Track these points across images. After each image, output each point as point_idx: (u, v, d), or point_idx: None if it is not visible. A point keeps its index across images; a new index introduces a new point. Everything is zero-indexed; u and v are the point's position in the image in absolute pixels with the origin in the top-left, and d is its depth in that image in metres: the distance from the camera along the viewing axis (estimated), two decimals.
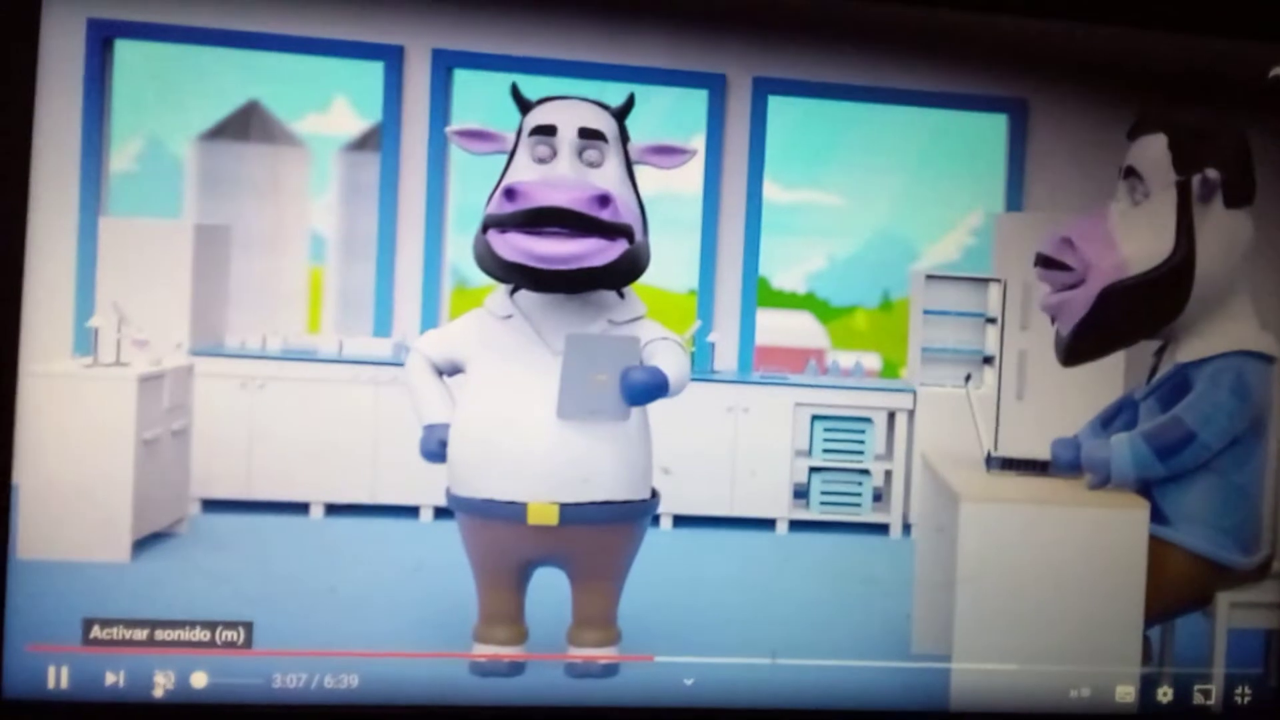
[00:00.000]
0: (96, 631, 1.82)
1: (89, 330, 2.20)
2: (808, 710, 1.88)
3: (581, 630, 1.92)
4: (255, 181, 2.59)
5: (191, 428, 2.36)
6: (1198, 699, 1.93)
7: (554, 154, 1.87)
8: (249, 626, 1.85)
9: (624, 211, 1.85)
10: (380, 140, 2.56)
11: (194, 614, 1.86)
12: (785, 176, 2.56)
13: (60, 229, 2.09)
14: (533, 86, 1.97)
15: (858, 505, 2.59)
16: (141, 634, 1.83)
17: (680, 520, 2.46)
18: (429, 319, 2.58)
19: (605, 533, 1.90)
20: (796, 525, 2.56)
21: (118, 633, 1.83)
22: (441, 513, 2.05)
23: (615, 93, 2.00)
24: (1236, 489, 1.92)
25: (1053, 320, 2.05)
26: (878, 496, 2.68)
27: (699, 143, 2.61)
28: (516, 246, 1.83)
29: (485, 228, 1.86)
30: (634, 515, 1.92)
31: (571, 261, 1.84)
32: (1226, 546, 1.92)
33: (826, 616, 2.05)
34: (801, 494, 2.63)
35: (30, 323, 1.92)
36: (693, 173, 2.57)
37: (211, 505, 2.40)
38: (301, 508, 2.42)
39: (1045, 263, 2.03)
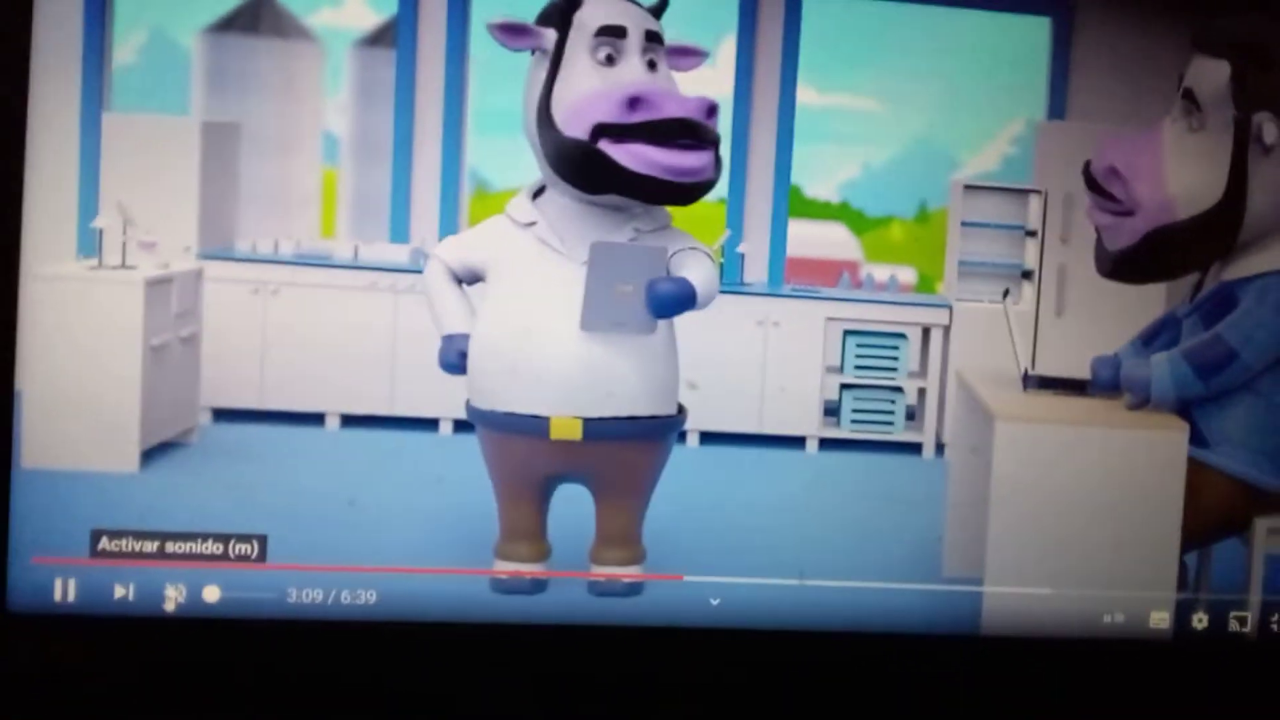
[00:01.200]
0: (105, 543, 1.83)
1: (93, 231, 2.20)
2: (836, 632, 1.89)
3: (605, 548, 1.93)
4: (266, 78, 2.58)
5: (201, 334, 2.39)
6: (1233, 626, 1.95)
7: (620, 57, 1.85)
8: (263, 540, 1.85)
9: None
10: (396, 36, 2.54)
11: (206, 526, 1.86)
12: (819, 79, 2.54)
13: (62, 125, 2.07)
14: None
15: (890, 424, 2.61)
16: (151, 546, 1.84)
17: (707, 437, 2.48)
18: (448, 225, 2.57)
19: (630, 449, 1.91)
20: (827, 444, 2.58)
21: (127, 544, 1.83)
22: (461, 425, 2.06)
23: None
24: (1278, 410, 1.92)
25: (1099, 233, 2.03)
26: (911, 415, 2.70)
27: (729, 45, 2.58)
28: (647, 159, 1.81)
29: (594, 136, 1.83)
30: (660, 431, 1.92)
31: (697, 174, 1.84)
32: (1266, 470, 1.91)
33: (856, 537, 2.07)
34: (832, 412, 2.65)
35: (32, 224, 1.91)
36: (723, 75, 2.54)
37: (223, 415, 2.42)
38: (317, 418, 2.44)
39: (1092, 186, 2.01)
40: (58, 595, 1.80)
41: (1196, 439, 1.91)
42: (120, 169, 2.32)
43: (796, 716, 1.91)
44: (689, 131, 1.83)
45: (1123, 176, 1.94)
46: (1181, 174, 1.92)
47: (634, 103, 1.82)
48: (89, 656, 1.81)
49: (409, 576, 1.85)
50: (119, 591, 1.81)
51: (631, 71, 1.86)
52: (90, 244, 2.25)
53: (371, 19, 2.53)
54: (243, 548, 1.84)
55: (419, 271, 2.06)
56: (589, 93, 1.85)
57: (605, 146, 1.83)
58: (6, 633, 1.78)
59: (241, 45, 2.52)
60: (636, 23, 1.87)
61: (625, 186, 1.84)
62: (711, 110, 1.86)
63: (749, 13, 2.52)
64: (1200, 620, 1.92)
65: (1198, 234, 1.92)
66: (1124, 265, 1.98)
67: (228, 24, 2.53)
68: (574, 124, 1.84)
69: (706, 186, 1.88)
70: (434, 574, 1.87)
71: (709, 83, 2.53)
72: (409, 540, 1.97)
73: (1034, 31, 2.54)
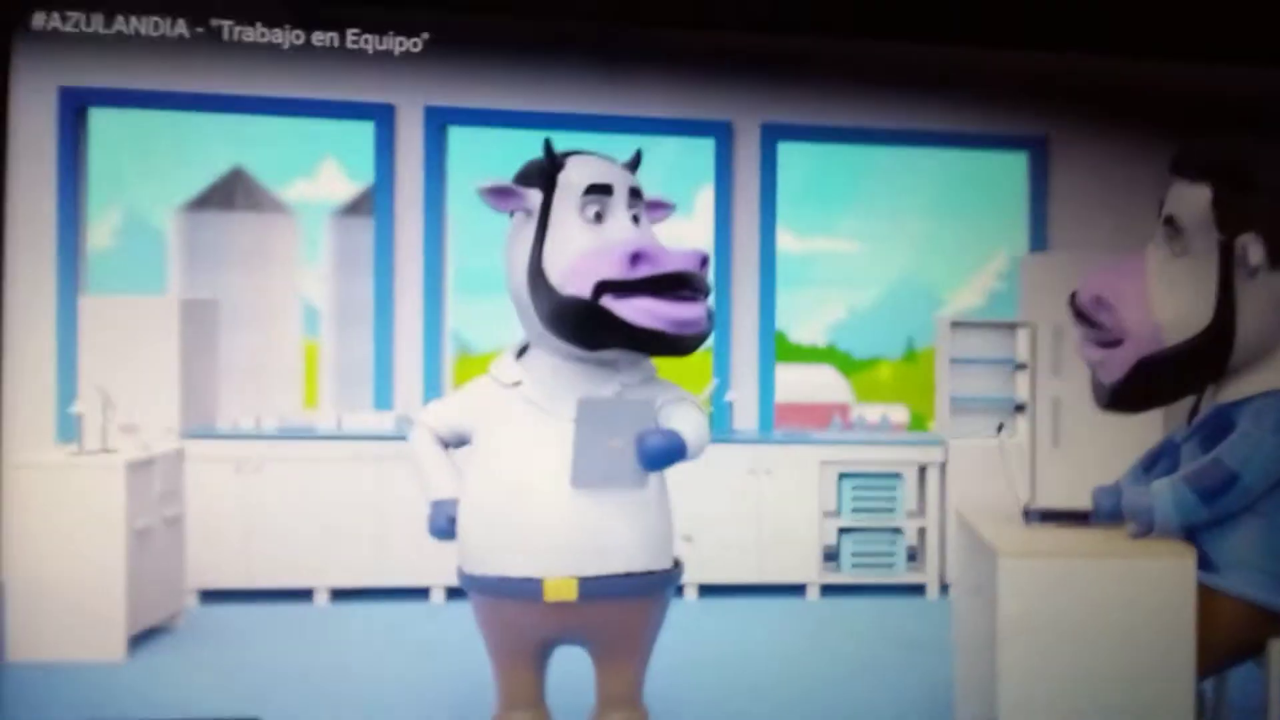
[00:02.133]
0: None
1: (73, 416, 2.22)
2: None
3: (607, 711, 1.90)
4: (242, 252, 2.64)
5: (185, 515, 2.41)
6: None
7: (605, 214, 1.91)
8: None
9: None
10: (373, 203, 2.60)
11: (197, 712, 1.85)
12: (799, 225, 2.61)
13: (38, 311, 2.10)
14: (531, 141, 1.99)
15: (891, 565, 2.63)
16: None
17: (706, 590, 2.52)
18: (432, 389, 2.61)
19: (627, 606, 1.89)
20: (828, 589, 2.63)
21: None
22: (454, 592, 2.06)
23: (616, 145, 2.03)
24: None
25: (1091, 370, 2.06)
26: (912, 556, 2.74)
27: (707, 193, 2.66)
28: (652, 312, 1.83)
29: (597, 293, 1.88)
30: (656, 586, 1.91)
31: (697, 325, 1.87)
32: (1277, 591, 1.92)
33: (865, 684, 2.07)
34: (831, 556, 2.69)
35: (11, 411, 1.92)
36: (702, 225, 2.61)
37: (210, 595, 2.43)
38: (306, 594, 2.46)
39: (1080, 316, 2.04)
40: None
41: (1204, 563, 1.91)
42: (99, 351, 2.36)
43: None
44: (686, 284, 1.86)
45: (1109, 305, 1.96)
46: (1168, 300, 1.94)
47: (637, 258, 1.85)
48: None
49: None
50: None
51: (621, 229, 1.91)
52: (70, 428, 2.26)
53: (347, 189, 2.61)
54: None
55: (404, 439, 2.08)
56: (585, 251, 1.88)
57: (609, 303, 1.85)
58: None
59: (217, 221, 2.59)
60: (621, 180, 1.93)
61: (628, 340, 1.87)
62: (704, 261, 1.90)
63: (725, 162, 2.60)
64: None
65: (1188, 360, 1.93)
66: (1119, 397, 1.99)
67: (202, 201, 2.60)
68: (574, 282, 1.87)
69: (704, 337, 1.92)
70: None
71: (689, 232, 2.59)
72: (405, 715, 1.96)
73: (1010, 166, 2.62)
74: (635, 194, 1.92)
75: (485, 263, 2.09)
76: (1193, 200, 1.92)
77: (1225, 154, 1.93)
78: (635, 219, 1.92)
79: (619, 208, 1.90)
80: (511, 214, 1.97)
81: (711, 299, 1.95)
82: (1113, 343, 1.97)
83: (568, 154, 1.92)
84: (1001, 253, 2.69)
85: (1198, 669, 1.85)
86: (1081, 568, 1.88)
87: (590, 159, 1.93)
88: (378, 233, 2.57)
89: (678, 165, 2.56)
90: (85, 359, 2.36)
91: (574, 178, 1.90)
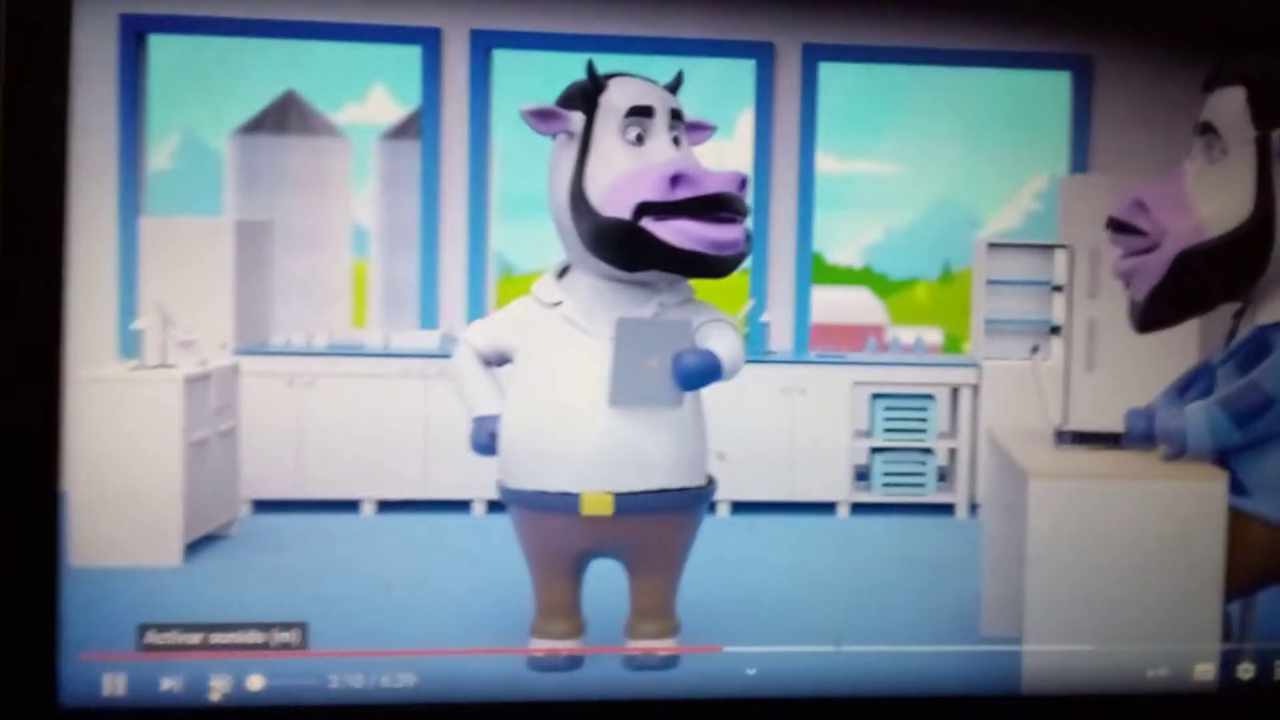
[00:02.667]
0: (151, 637, 1.85)
1: (134, 333, 2.25)
2: (875, 697, 1.88)
3: (640, 622, 1.94)
4: (295, 175, 2.64)
5: (239, 428, 2.44)
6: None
7: (646, 136, 1.89)
8: (304, 627, 1.87)
9: None
10: (420, 127, 2.60)
11: (248, 616, 1.88)
12: (839, 147, 2.57)
13: (100, 231, 2.11)
14: (574, 64, 1.98)
15: (922, 486, 2.61)
16: (196, 638, 1.86)
17: (738, 506, 2.48)
18: (475, 309, 2.61)
19: (661, 522, 1.92)
20: (858, 508, 2.58)
21: (172, 638, 1.85)
22: (494, 506, 2.08)
23: (658, 67, 2.02)
24: None
25: (1126, 286, 2.04)
26: (942, 476, 2.70)
27: (747, 116, 2.63)
28: (691, 234, 1.85)
29: (637, 214, 1.88)
30: (690, 503, 1.94)
31: (737, 245, 1.88)
32: None
33: (892, 601, 2.06)
34: (863, 476, 2.66)
35: (74, 327, 1.94)
36: (742, 148, 2.58)
37: (262, 505, 2.46)
38: (353, 505, 2.48)
39: (1117, 227, 2.01)
40: (107, 690, 1.82)
41: (1236, 487, 1.90)
42: (158, 271, 2.38)
43: None
44: (726, 205, 1.87)
45: (1148, 208, 1.95)
46: (1207, 199, 1.93)
47: (676, 180, 1.85)
48: None
49: (447, 658, 1.86)
50: (166, 684, 1.83)
51: (662, 150, 1.90)
52: (131, 345, 2.30)
53: (396, 112, 2.59)
54: (284, 636, 1.86)
55: (448, 356, 2.10)
56: (626, 173, 1.88)
57: (648, 224, 1.85)
58: None
59: (271, 144, 2.59)
60: (662, 102, 1.91)
61: (667, 262, 1.87)
62: (743, 183, 1.89)
63: (766, 84, 2.56)
64: (1246, 670, 1.90)
65: (1229, 251, 1.91)
66: (1155, 305, 1.97)
67: (257, 124, 2.59)
68: (613, 204, 1.87)
69: (741, 258, 1.91)
70: (471, 654, 1.88)
71: (728, 155, 2.57)
72: (446, 621, 1.98)
73: (1054, 87, 2.56)
74: (676, 116, 1.91)
75: (529, 185, 2.09)
76: (1228, 103, 1.94)
77: (1258, 60, 1.93)
78: (676, 141, 1.92)
79: (660, 130, 1.90)
80: (554, 136, 1.97)
81: (750, 221, 1.95)
82: (1150, 249, 1.97)
83: (610, 76, 1.92)
84: (1042, 175, 2.63)
85: (1225, 592, 1.86)
86: (1112, 489, 1.88)
87: (632, 80, 1.92)
88: (424, 156, 2.57)
89: (719, 87, 2.53)
90: (145, 278, 2.38)
91: (615, 100, 1.89)
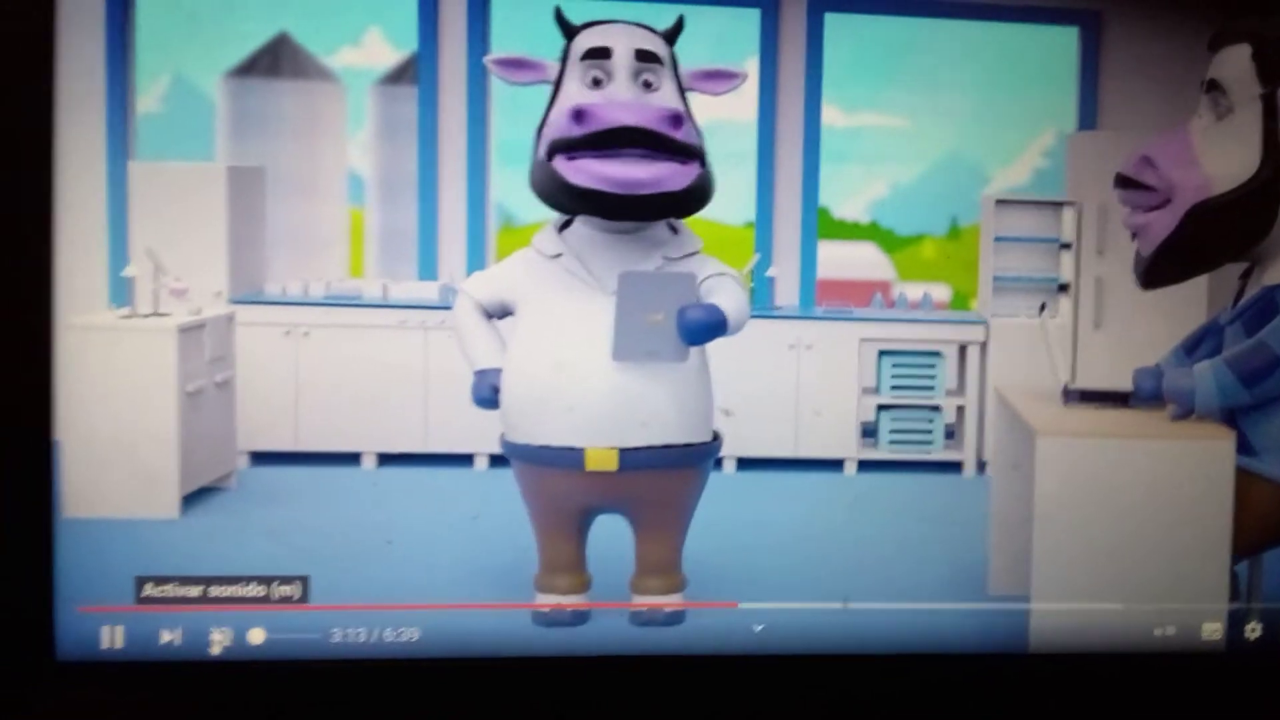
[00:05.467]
0: (149, 590, 1.84)
1: (125, 280, 2.25)
2: (882, 655, 1.89)
3: (645, 578, 1.95)
4: (289, 119, 2.63)
5: (235, 379, 2.44)
6: None
7: (609, 78, 1.87)
8: (305, 581, 1.86)
9: (694, 132, 1.89)
10: (417, 72, 2.59)
11: (248, 569, 1.88)
12: (845, 99, 2.57)
13: (89, 176, 2.09)
14: (576, 11, 1.97)
15: (929, 443, 2.64)
16: (195, 591, 1.85)
17: (744, 463, 2.53)
18: (475, 260, 2.62)
19: (666, 478, 1.93)
20: (865, 465, 2.62)
21: (171, 590, 1.85)
22: (497, 460, 2.10)
23: (662, 15, 2.00)
24: None
25: (1134, 239, 2.05)
26: (950, 434, 2.73)
27: (752, 66, 2.62)
28: (590, 171, 1.82)
29: (550, 154, 1.86)
30: (695, 459, 1.94)
31: (650, 186, 1.84)
32: None
33: (899, 559, 2.09)
34: (869, 433, 2.68)
35: (64, 274, 1.93)
36: (747, 99, 2.58)
37: (260, 458, 2.47)
38: (353, 458, 2.49)
39: (1125, 183, 2.02)
40: (105, 643, 1.81)
41: (1243, 447, 1.92)
42: (148, 217, 2.38)
43: None
44: (635, 139, 1.83)
45: (1156, 164, 1.97)
46: (1214, 156, 1.95)
47: (578, 116, 1.83)
48: (138, 702, 1.82)
49: (451, 612, 1.87)
50: (165, 637, 1.83)
51: (614, 93, 1.88)
52: (122, 293, 2.30)
53: (392, 57, 2.58)
54: (285, 589, 1.86)
55: (448, 308, 2.10)
56: (555, 115, 1.90)
57: (558, 163, 1.84)
58: (57, 681, 1.79)
59: (263, 88, 2.58)
60: (625, 42, 1.88)
61: (579, 203, 1.86)
62: (675, 120, 1.85)
63: (771, 34, 2.56)
64: (1254, 630, 1.92)
65: (1237, 207, 1.94)
66: (1162, 261, 1.99)
67: (249, 68, 2.58)
68: (541, 146, 1.88)
69: (674, 200, 1.87)
70: (475, 609, 1.89)
71: (733, 107, 2.57)
72: (450, 576, 2.01)
73: (1062, 42, 2.56)
74: (645, 56, 1.88)
75: (529, 133, 2.09)
76: (1233, 60, 1.96)
77: (1263, 19, 1.94)
78: (647, 84, 1.90)
79: (620, 70, 1.88)
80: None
81: (750, 171, 1.94)
82: (1159, 205, 1.99)
83: (592, 23, 1.91)
84: (1050, 130, 2.64)
85: (1233, 551, 1.88)
86: (1119, 448, 1.89)
87: (604, 26, 1.91)
88: (422, 102, 2.56)
89: (723, 36, 2.52)
90: (135, 224, 2.38)
91: (580, 44, 1.89)
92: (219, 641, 1.83)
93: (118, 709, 1.82)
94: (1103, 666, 1.89)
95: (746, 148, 2.50)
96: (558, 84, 1.90)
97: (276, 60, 2.59)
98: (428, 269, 2.59)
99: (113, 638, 1.81)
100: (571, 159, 1.82)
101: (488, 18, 2.51)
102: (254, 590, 1.86)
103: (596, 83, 1.86)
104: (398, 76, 2.62)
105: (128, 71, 2.40)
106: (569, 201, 1.86)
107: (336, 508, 2.27)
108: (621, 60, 1.87)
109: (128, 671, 1.82)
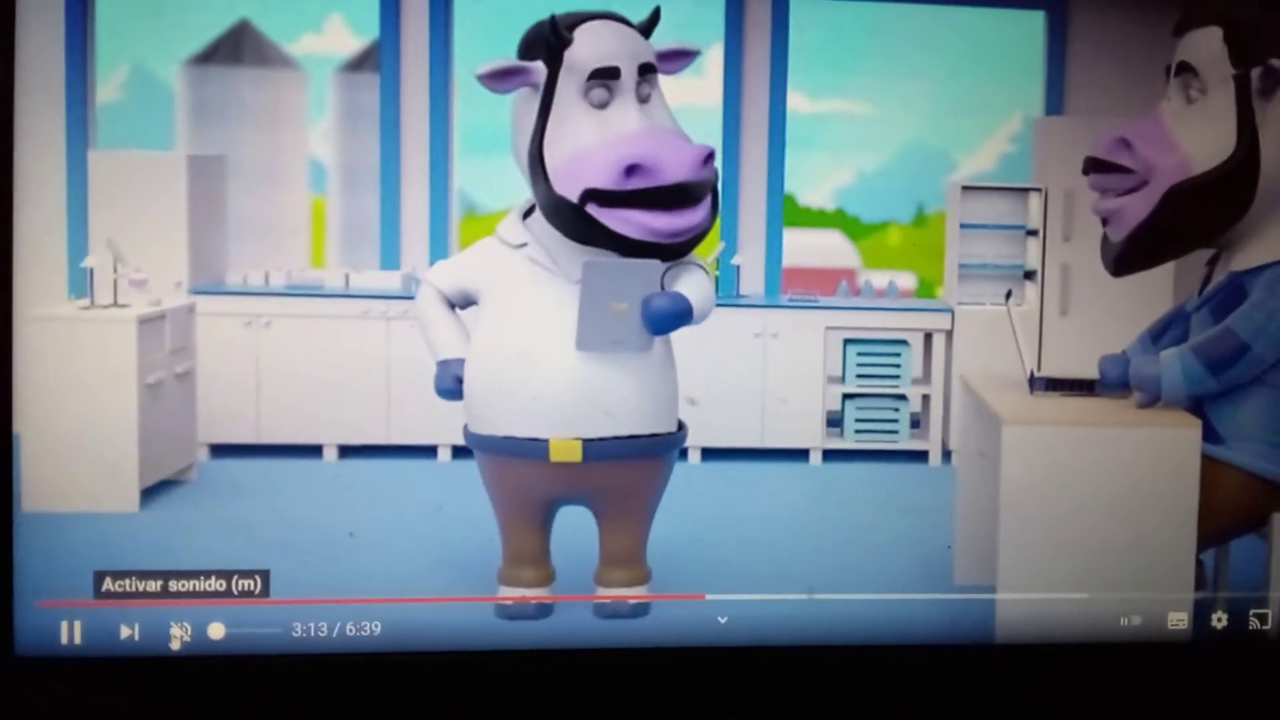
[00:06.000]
0: (108, 584, 1.84)
1: (84, 271, 2.23)
2: (848, 646, 1.91)
3: (610, 569, 1.96)
4: (249, 108, 2.61)
5: (196, 370, 2.42)
6: (1253, 624, 1.97)
7: (610, 99, 1.86)
8: (265, 575, 1.87)
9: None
10: (379, 60, 2.58)
11: (208, 564, 1.88)
12: (809, 86, 2.57)
13: (47, 165, 2.09)
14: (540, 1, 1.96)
15: (895, 433, 2.65)
16: (155, 585, 1.85)
17: (709, 453, 2.53)
18: (438, 249, 2.61)
19: (631, 468, 1.94)
20: (831, 455, 2.62)
21: (130, 585, 1.85)
22: (460, 451, 2.09)
23: (630, 2, 1.99)
24: None
25: (1104, 225, 2.06)
26: (915, 423, 2.74)
27: (718, 51, 2.62)
28: (638, 223, 1.84)
29: (583, 200, 1.85)
30: (660, 449, 1.95)
31: (695, 230, 1.88)
32: None
33: (865, 549, 2.10)
34: (835, 422, 2.69)
35: (22, 265, 1.93)
36: (711, 84, 2.58)
37: (220, 450, 2.46)
38: (315, 450, 2.48)
39: (1098, 167, 2.03)
40: (64, 638, 1.81)
41: (1210, 435, 1.94)
42: (108, 207, 2.36)
43: None
44: (684, 195, 1.86)
45: (1133, 146, 1.98)
46: (1190, 137, 1.96)
47: (632, 171, 1.83)
48: (98, 698, 1.82)
49: (413, 606, 1.87)
50: (125, 632, 1.83)
51: (625, 119, 1.87)
52: (81, 284, 2.28)
53: (353, 44, 2.57)
54: (245, 583, 1.86)
55: (411, 298, 2.10)
56: (582, 150, 1.87)
57: (594, 211, 1.84)
58: (15, 677, 1.80)
59: (224, 76, 2.56)
60: (630, 58, 1.88)
61: (618, 247, 1.87)
62: (709, 158, 1.87)
63: (735, 20, 2.56)
64: (1220, 620, 1.94)
65: (1217, 188, 1.95)
66: (1137, 245, 1.99)
67: (209, 55, 2.56)
68: (563, 183, 1.85)
69: (703, 235, 1.92)
70: (438, 603, 1.89)
71: (697, 92, 2.56)
72: (412, 569, 2.00)
73: (1028, 26, 2.57)
74: (646, 70, 1.88)
75: (492, 121, 2.08)
76: (1205, 43, 1.98)
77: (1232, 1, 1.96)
78: (646, 99, 1.90)
79: (626, 91, 1.87)
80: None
81: (716, 159, 1.93)
82: (1135, 188, 2.00)
83: (578, 21, 1.88)
84: (1017, 116, 2.64)
85: (1199, 540, 1.90)
86: (1085, 436, 1.91)
87: (600, 32, 1.88)
88: (383, 90, 2.56)
89: (688, 22, 2.51)
90: (95, 214, 2.36)
91: (579, 57, 1.86)
92: (178, 636, 1.83)
93: (78, 704, 1.82)
94: (1070, 656, 1.90)
95: (710, 133, 2.50)
96: (549, 95, 1.88)
97: (238, 48, 2.57)
98: (390, 258, 2.58)
99: (72, 633, 1.81)
100: (611, 209, 1.83)
101: (450, 4, 2.50)
102: (214, 584, 1.86)
103: (600, 105, 1.85)
104: (359, 64, 2.61)
105: (87, 59, 2.38)
106: (606, 243, 1.86)
107: (298, 500, 2.27)
108: (628, 80, 1.86)
109: (87, 667, 1.82)
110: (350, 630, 1.85)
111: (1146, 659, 1.92)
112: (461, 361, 1.94)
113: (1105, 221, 2.03)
